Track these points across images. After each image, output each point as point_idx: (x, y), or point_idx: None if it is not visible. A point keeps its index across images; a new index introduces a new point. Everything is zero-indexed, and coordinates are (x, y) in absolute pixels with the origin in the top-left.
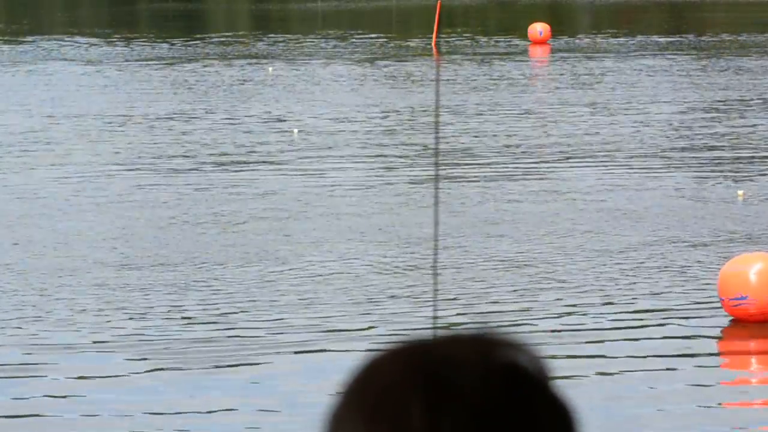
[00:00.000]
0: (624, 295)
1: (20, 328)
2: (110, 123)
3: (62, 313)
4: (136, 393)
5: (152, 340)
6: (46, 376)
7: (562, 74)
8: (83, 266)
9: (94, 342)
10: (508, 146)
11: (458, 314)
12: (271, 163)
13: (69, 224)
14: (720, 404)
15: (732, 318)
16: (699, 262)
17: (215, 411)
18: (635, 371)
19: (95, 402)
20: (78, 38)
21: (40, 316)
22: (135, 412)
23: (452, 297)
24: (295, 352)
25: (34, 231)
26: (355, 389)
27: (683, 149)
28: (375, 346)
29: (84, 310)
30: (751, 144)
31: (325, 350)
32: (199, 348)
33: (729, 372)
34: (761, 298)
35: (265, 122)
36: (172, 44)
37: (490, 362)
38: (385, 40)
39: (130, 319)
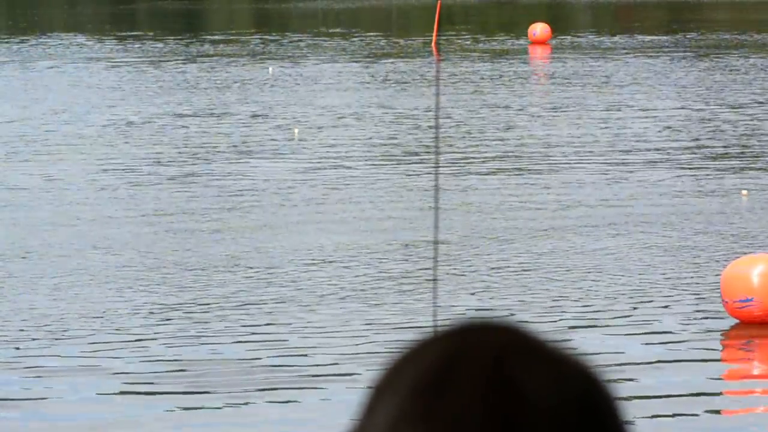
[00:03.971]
0: (625, 297)
1: (19, 349)
2: (109, 122)
3: (63, 329)
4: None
5: (159, 362)
6: (47, 399)
7: (561, 74)
8: (81, 272)
9: (93, 366)
10: (508, 146)
11: (458, 316)
12: (271, 163)
13: (67, 225)
14: (724, 408)
15: (735, 319)
16: (701, 262)
17: None
18: (637, 374)
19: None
20: (77, 37)
21: (39, 336)
22: None
23: (452, 298)
24: (301, 376)
25: (29, 233)
26: (406, 362)
27: (684, 149)
28: (375, 349)
29: (82, 330)
30: (753, 143)
31: (327, 374)
32: (205, 371)
33: (733, 375)
34: (767, 300)
35: (265, 122)
36: (172, 43)
37: (565, 387)
38: (385, 39)
39: (135, 340)
